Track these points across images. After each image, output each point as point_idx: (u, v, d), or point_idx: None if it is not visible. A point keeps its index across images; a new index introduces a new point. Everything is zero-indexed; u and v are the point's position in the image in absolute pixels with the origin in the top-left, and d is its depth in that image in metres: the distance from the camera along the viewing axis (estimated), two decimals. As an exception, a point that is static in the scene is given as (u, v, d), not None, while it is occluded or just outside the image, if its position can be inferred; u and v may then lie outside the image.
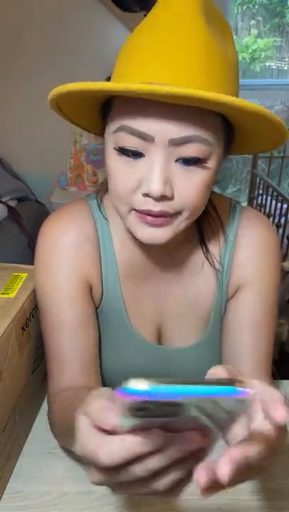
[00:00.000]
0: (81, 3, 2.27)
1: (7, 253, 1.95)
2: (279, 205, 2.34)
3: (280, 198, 2.25)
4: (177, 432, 0.33)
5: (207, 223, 0.68)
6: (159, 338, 0.74)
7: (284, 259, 2.01)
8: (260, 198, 2.52)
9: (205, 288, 0.70)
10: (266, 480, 0.66)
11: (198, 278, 0.70)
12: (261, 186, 2.48)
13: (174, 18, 0.50)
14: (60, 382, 0.64)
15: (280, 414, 0.30)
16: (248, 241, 0.68)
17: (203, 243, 0.69)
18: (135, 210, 0.54)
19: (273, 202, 2.35)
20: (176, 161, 0.51)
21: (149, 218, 0.53)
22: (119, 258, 0.68)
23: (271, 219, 2.31)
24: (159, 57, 0.49)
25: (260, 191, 2.51)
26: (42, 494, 0.63)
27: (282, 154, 2.59)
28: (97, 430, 0.33)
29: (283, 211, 2.30)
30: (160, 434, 0.32)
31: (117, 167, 0.53)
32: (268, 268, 0.68)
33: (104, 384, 0.71)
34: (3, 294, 0.68)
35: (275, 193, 2.28)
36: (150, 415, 0.30)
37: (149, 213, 0.53)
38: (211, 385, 0.28)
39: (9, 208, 2.20)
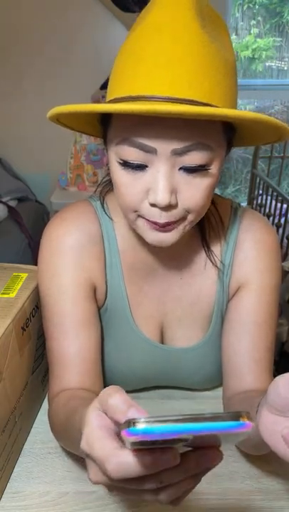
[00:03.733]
0: (81, 4, 2.27)
1: (7, 253, 1.95)
2: (279, 205, 2.34)
3: (279, 198, 2.25)
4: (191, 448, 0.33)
5: (209, 224, 0.69)
6: (162, 338, 0.74)
7: (284, 259, 2.01)
8: (260, 198, 2.52)
9: (207, 288, 0.71)
10: (266, 480, 0.66)
11: (200, 278, 0.71)
12: (261, 186, 2.48)
13: (168, 25, 0.48)
14: (60, 383, 0.64)
15: None
16: (248, 242, 0.69)
17: (205, 243, 0.69)
18: (142, 217, 0.56)
19: (273, 202, 2.35)
20: (179, 169, 0.52)
21: (157, 226, 0.55)
22: (123, 258, 0.69)
23: (271, 219, 2.31)
24: (157, 69, 0.48)
25: (260, 191, 2.51)
26: (42, 494, 0.63)
27: (282, 154, 2.59)
28: (108, 434, 0.33)
29: (283, 211, 2.30)
30: (176, 453, 0.31)
31: (123, 179, 0.54)
32: (268, 268, 0.69)
33: (106, 383, 0.71)
34: (3, 294, 0.68)
35: (274, 193, 2.28)
36: (155, 447, 0.30)
37: (155, 223, 0.54)
38: (211, 421, 0.28)
39: (9, 207, 2.20)
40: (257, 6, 2.82)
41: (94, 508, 0.61)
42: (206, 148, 0.51)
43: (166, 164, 0.51)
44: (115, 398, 0.33)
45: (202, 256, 0.70)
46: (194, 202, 0.54)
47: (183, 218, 0.55)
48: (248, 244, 0.69)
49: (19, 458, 0.69)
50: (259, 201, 2.51)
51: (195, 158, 0.51)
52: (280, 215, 2.30)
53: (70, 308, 0.65)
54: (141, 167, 0.52)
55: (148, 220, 0.55)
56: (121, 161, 0.53)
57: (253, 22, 2.87)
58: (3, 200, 2.21)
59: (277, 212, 2.32)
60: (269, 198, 2.37)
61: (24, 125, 2.48)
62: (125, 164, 0.52)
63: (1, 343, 0.59)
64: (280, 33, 2.89)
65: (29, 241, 2.09)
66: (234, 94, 0.53)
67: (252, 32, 2.88)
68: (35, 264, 0.72)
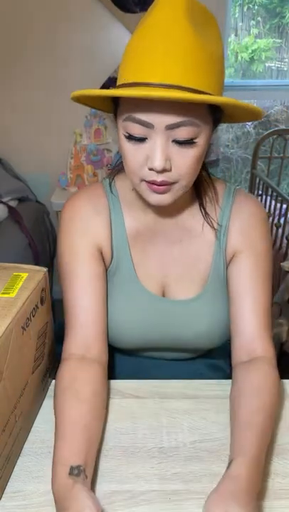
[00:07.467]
0: (81, 4, 2.27)
1: (7, 253, 1.94)
2: (278, 205, 2.34)
3: (279, 198, 2.25)
4: None
5: (204, 194, 0.83)
6: (163, 293, 0.86)
7: (284, 258, 2.01)
8: (259, 198, 2.52)
9: (205, 250, 0.84)
10: (266, 480, 0.66)
11: (198, 241, 0.84)
12: (261, 186, 2.49)
13: (163, 24, 0.61)
14: (75, 339, 0.76)
15: None
16: (243, 214, 0.82)
17: (202, 208, 0.82)
18: (144, 180, 0.69)
19: (273, 202, 2.35)
20: (172, 141, 0.65)
21: (155, 187, 0.68)
22: (127, 225, 0.83)
23: (271, 219, 2.31)
24: (153, 61, 0.61)
25: (260, 191, 2.51)
26: (42, 494, 0.63)
27: (281, 154, 2.60)
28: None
29: (283, 211, 2.30)
30: None
31: (128, 149, 0.68)
32: (259, 236, 0.82)
33: (114, 335, 0.84)
34: (3, 294, 0.69)
35: (274, 194, 2.28)
36: None
37: (154, 183, 0.68)
38: None
39: (9, 208, 2.20)
40: (256, 7, 2.82)
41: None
42: (194, 125, 0.64)
43: (161, 137, 0.64)
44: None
45: (200, 221, 0.83)
46: (185, 168, 0.67)
47: (175, 182, 0.68)
48: (243, 216, 0.82)
49: (19, 457, 0.69)
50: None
51: (184, 132, 0.64)
52: (280, 215, 2.30)
53: (81, 266, 0.79)
54: (142, 139, 0.66)
55: (148, 182, 0.68)
56: (126, 134, 0.66)
57: (252, 22, 2.87)
58: (4, 200, 2.21)
59: (277, 212, 2.32)
60: (269, 198, 2.37)
61: (24, 125, 2.48)
62: (129, 137, 0.66)
63: (1, 343, 0.59)
64: (280, 34, 2.89)
65: (29, 241, 2.09)
66: (220, 81, 0.65)
67: (252, 32, 2.88)
68: (36, 264, 0.72)
